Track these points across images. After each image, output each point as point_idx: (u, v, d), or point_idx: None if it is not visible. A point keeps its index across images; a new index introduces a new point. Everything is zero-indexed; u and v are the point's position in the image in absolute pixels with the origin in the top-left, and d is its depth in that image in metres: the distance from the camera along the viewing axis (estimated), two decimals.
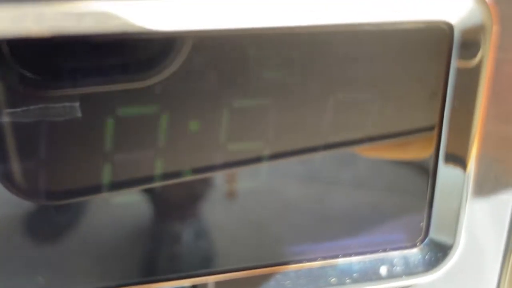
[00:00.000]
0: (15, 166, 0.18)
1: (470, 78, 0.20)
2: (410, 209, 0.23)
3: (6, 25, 0.15)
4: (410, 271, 0.23)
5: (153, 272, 0.21)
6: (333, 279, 0.22)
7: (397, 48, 0.20)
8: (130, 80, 0.18)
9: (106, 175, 0.19)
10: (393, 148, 0.22)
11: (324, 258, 0.22)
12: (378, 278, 0.23)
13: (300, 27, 0.18)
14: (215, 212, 0.21)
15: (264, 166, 0.21)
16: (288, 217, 0.22)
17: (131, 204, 0.20)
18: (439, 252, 0.23)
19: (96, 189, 0.19)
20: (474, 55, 0.20)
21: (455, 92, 0.21)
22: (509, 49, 0.20)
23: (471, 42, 0.20)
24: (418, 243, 0.23)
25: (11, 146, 0.18)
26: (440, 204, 0.23)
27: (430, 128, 0.22)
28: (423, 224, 0.23)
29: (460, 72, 0.20)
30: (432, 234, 0.23)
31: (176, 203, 0.21)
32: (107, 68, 0.18)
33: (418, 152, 0.22)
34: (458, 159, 0.22)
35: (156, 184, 0.20)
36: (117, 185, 0.19)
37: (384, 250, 0.23)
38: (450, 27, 0.19)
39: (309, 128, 0.20)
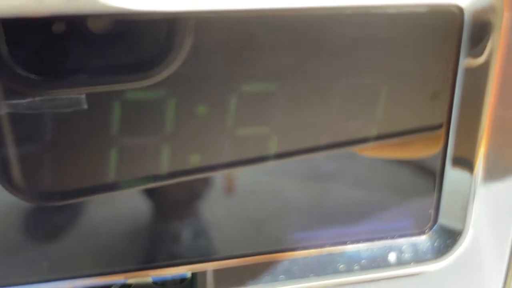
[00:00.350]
0: (15, 165, 0.18)
1: (480, 68, 0.20)
2: (418, 195, 0.23)
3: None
4: (419, 258, 0.23)
5: (152, 260, 0.21)
6: (342, 265, 0.22)
7: (405, 33, 0.20)
8: (135, 74, 0.18)
9: (112, 171, 0.19)
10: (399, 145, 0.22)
11: (332, 245, 0.22)
12: (386, 265, 0.23)
13: (308, 9, 0.18)
14: (217, 201, 0.21)
15: (272, 152, 0.21)
16: (296, 203, 0.22)
17: (131, 198, 0.20)
18: (448, 239, 0.23)
19: (101, 187, 0.19)
20: (485, 41, 0.20)
21: (465, 81, 0.20)
22: None
23: (481, 26, 0.19)
24: (427, 230, 0.23)
25: (11, 144, 0.17)
26: (449, 191, 0.22)
27: (438, 126, 0.21)
28: (432, 211, 0.23)
29: (470, 59, 0.20)
30: (441, 220, 0.23)
31: (175, 198, 0.21)
32: (110, 62, 0.18)
33: (424, 147, 0.22)
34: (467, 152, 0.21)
35: (163, 178, 0.20)
36: (121, 184, 0.19)
37: (393, 237, 0.23)
38: (460, 11, 0.19)
39: (316, 115, 0.20)
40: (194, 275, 0.21)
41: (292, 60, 0.19)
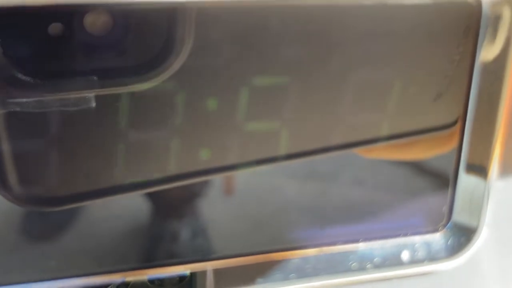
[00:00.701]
0: (12, 172, 0.17)
1: (496, 64, 0.20)
2: (432, 193, 0.22)
3: None
4: (432, 256, 0.22)
5: (150, 259, 0.21)
6: (354, 263, 0.22)
7: (420, 27, 0.19)
8: (140, 74, 0.17)
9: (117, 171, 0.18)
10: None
11: (345, 242, 0.22)
12: (399, 263, 0.22)
13: (322, 0, 0.17)
14: (222, 200, 0.21)
15: (283, 148, 0.20)
16: (307, 201, 0.21)
17: (130, 197, 0.20)
18: (462, 237, 0.22)
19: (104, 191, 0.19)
20: (503, 35, 0.19)
21: (481, 78, 0.20)
22: None
23: (499, 19, 0.19)
24: (440, 228, 0.23)
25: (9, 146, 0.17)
26: (463, 189, 0.22)
27: (452, 125, 0.21)
28: (446, 208, 0.22)
29: (486, 54, 0.20)
30: (455, 218, 0.22)
31: (174, 197, 0.21)
32: (112, 64, 0.17)
33: (437, 147, 0.22)
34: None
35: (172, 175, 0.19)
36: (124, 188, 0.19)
37: (406, 235, 0.22)
38: (478, 2, 0.19)
39: (327, 110, 0.20)
40: (193, 274, 0.21)
41: (304, 53, 0.19)
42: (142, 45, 0.17)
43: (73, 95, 0.17)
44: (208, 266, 0.21)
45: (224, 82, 0.18)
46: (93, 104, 0.17)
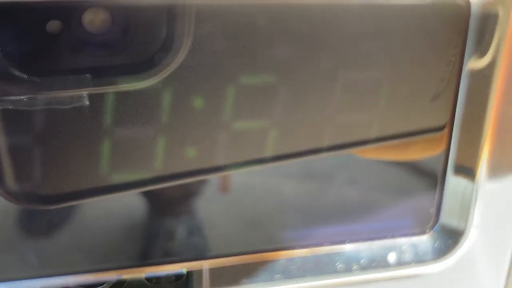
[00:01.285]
0: (8, 170, 0.17)
1: (485, 67, 0.20)
2: (419, 194, 0.22)
3: None
4: (419, 258, 0.22)
5: (147, 257, 0.21)
6: (340, 265, 0.22)
7: (409, 27, 0.19)
8: (135, 74, 0.17)
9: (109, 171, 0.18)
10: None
11: (331, 244, 0.22)
12: (386, 265, 0.22)
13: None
14: (212, 199, 0.21)
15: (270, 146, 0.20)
16: (293, 201, 0.21)
17: (125, 196, 0.20)
18: (449, 239, 0.22)
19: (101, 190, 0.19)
20: (492, 36, 0.19)
21: (470, 81, 0.20)
22: None
23: (489, 20, 0.19)
24: (427, 230, 0.23)
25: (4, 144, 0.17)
26: (450, 191, 0.22)
27: (441, 128, 0.21)
28: (433, 210, 0.22)
29: (475, 56, 0.20)
30: (442, 220, 0.22)
31: (170, 195, 0.21)
32: (107, 63, 0.17)
33: (426, 149, 0.22)
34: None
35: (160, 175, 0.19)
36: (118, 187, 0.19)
37: (393, 237, 0.22)
38: (467, 3, 0.19)
39: (315, 111, 0.20)
40: (189, 272, 0.21)
41: (293, 52, 0.18)
42: (140, 43, 0.17)
43: (67, 93, 0.16)
44: (204, 264, 0.21)
45: (212, 81, 0.18)
46: (86, 102, 0.17)
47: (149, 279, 0.20)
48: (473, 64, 0.20)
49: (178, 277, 0.21)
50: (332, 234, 0.22)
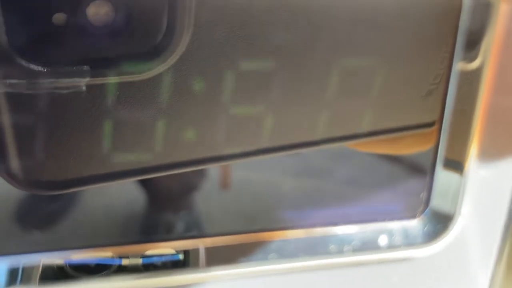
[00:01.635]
0: (14, 156, 0.18)
1: (476, 65, 0.20)
2: (410, 179, 0.23)
3: None
4: (409, 242, 0.23)
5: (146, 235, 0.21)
6: (332, 246, 0.22)
7: (404, 16, 0.20)
8: (138, 65, 0.18)
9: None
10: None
11: (324, 225, 0.22)
12: (376, 248, 0.23)
13: None
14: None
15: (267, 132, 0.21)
16: (287, 184, 0.22)
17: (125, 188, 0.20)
18: (439, 224, 0.23)
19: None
20: (482, 28, 0.20)
21: (460, 76, 0.21)
22: None
23: (480, 10, 0.20)
24: (418, 214, 0.23)
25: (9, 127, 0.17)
26: (441, 175, 0.22)
27: (432, 124, 0.21)
28: (424, 195, 0.23)
29: (467, 50, 0.20)
30: (433, 205, 0.23)
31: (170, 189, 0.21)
32: (110, 54, 0.17)
33: (417, 143, 0.22)
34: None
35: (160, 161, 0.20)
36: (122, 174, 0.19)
37: (384, 220, 0.23)
38: None
39: (311, 97, 0.20)
40: (186, 256, 0.21)
41: (290, 38, 0.19)
42: (143, 34, 0.17)
43: (65, 80, 0.17)
44: (200, 244, 0.21)
45: (212, 66, 0.19)
46: (84, 88, 0.17)
47: (147, 267, 0.21)
48: (465, 58, 0.21)
49: (174, 263, 0.21)
50: (326, 217, 0.22)
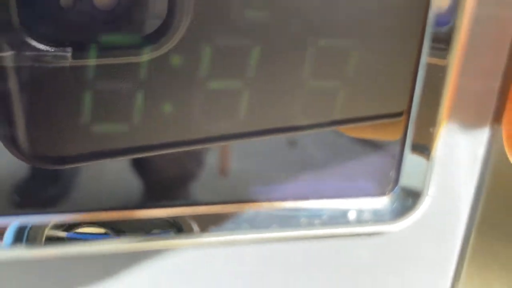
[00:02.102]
0: (20, 127, 0.18)
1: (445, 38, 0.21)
2: (380, 157, 0.23)
3: None
4: (377, 218, 0.24)
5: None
6: (303, 219, 0.23)
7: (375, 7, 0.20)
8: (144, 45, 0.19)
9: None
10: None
11: (295, 199, 0.23)
12: (346, 222, 0.24)
13: None
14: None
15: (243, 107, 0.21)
16: (260, 157, 0.23)
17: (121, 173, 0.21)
18: (408, 201, 0.24)
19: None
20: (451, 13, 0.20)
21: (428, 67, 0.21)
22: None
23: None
24: (387, 192, 0.24)
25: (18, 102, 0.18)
26: (410, 153, 0.23)
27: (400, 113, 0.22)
28: (393, 173, 0.24)
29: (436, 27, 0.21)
30: (402, 183, 0.24)
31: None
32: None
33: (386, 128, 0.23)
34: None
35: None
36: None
37: (354, 196, 0.24)
38: None
39: (288, 74, 0.21)
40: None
41: (265, 17, 0.20)
42: (144, 19, 0.18)
43: (52, 53, 0.18)
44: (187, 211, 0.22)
45: (188, 43, 0.19)
46: (68, 63, 0.18)
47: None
48: (432, 48, 0.21)
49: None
50: (296, 191, 0.23)
